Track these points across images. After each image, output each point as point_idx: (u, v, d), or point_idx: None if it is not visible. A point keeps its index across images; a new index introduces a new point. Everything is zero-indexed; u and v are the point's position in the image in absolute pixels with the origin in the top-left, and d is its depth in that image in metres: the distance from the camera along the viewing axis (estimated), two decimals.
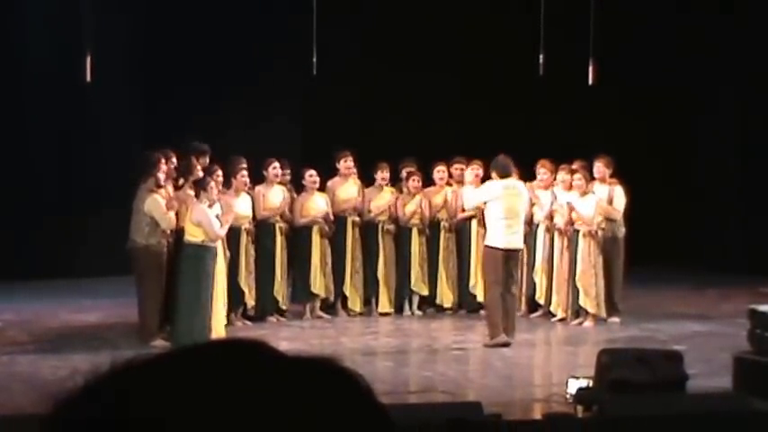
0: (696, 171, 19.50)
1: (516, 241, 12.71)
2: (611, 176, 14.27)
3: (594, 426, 8.02)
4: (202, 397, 1.08)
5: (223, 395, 1.08)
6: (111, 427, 1.07)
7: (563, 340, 13.43)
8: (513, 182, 12.93)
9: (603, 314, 13.89)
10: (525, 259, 14.45)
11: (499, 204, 12.56)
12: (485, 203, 12.80)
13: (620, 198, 14.18)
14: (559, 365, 12.03)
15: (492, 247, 12.59)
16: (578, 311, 13.94)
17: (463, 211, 14.61)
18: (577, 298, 13.90)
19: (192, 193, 12.49)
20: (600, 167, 14.19)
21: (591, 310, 13.83)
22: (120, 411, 1.07)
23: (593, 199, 13.89)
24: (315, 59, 15.15)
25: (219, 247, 12.52)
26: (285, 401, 1.09)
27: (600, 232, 13.87)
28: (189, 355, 1.14)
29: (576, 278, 13.84)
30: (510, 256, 12.64)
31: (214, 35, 17.31)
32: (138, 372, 1.12)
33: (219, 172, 13.02)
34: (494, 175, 12.93)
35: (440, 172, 14.95)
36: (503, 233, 12.51)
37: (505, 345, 12.41)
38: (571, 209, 13.82)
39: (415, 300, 14.85)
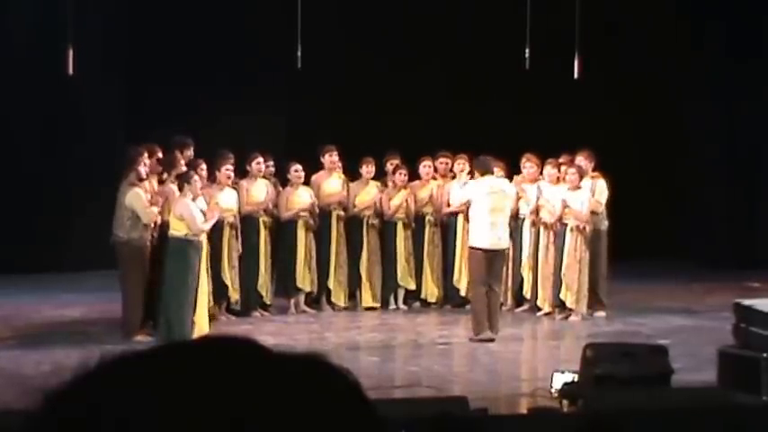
0: (682, 165, 19.49)
1: (501, 241, 12.68)
2: (594, 170, 14.27)
3: (579, 420, 7.99)
4: (189, 395, 1.08)
5: (210, 393, 1.08)
6: (98, 424, 1.06)
7: (548, 335, 13.42)
8: (497, 180, 12.95)
9: (584, 309, 13.87)
10: (511, 254, 14.42)
11: (483, 203, 12.55)
12: (468, 201, 12.76)
13: (602, 191, 14.19)
14: (545, 360, 12.02)
15: (475, 248, 12.62)
16: (564, 306, 13.93)
17: (449, 205, 14.58)
18: (560, 292, 13.89)
19: (175, 186, 12.43)
20: (582, 161, 14.18)
21: (570, 304, 13.81)
22: (105, 409, 1.06)
23: (585, 194, 13.87)
24: (299, 53, 15.08)
25: (204, 240, 12.46)
26: (272, 398, 1.09)
27: (588, 227, 13.86)
28: (176, 353, 1.14)
29: (562, 272, 13.83)
30: (495, 255, 12.64)
31: (198, 27, 17.22)
32: (125, 369, 1.11)
33: (203, 165, 12.97)
34: (476, 173, 13.01)
35: (426, 167, 14.91)
36: (487, 232, 12.49)
37: (490, 340, 12.41)
38: (565, 206, 13.77)
39: (401, 294, 14.82)
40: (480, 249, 12.55)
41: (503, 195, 12.82)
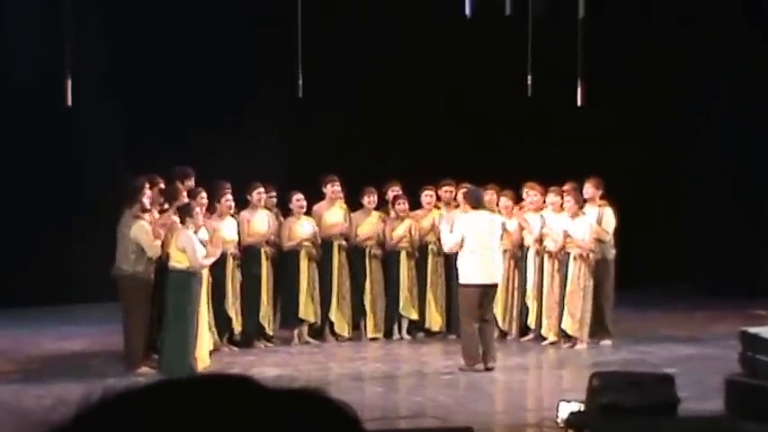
0: (685, 192, 19.44)
1: (492, 275, 12.51)
2: (601, 198, 14.20)
3: None
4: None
5: (209, 430, 1.08)
6: None
7: (554, 364, 13.32)
8: (486, 214, 12.80)
9: (585, 337, 13.78)
10: (516, 283, 14.36)
11: (472, 239, 12.38)
12: (462, 240, 12.61)
13: (609, 219, 14.11)
14: (550, 389, 11.93)
15: (467, 285, 12.44)
16: (568, 335, 13.84)
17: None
18: (563, 320, 13.80)
19: (176, 218, 12.35)
20: (590, 189, 14.11)
21: (571, 332, 13.71)
22: None
23: (586, 222, 13.79)
24: (300, 82, 15.05)
25: (204, 272, 12.39)
26: None
27: (591, 255, 13.79)
28: (177, 390, 1.14)
29: (565, 300, 13.74)
30: (486, 290, 12.49)
31: (198, 58, 17.20)
32: (127, 406, 1.12)
33: (204, 194, 12.89)
34: (466, 206, 12.82)
35: (428, 196, 14.84)
36: (477, 269, 12.33)
37: (486, 370, 12.29)
38: (566, 235, 13.70)
39: (404, 324, 14.74)
40: (472, 286, 12.40)
41: (492, 230, 12.62)
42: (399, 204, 14.61)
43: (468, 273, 12.41)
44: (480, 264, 12.34)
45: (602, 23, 16.49)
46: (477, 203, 12.63)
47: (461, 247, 12.48)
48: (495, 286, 12.71)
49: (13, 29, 16.67)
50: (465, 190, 13.00)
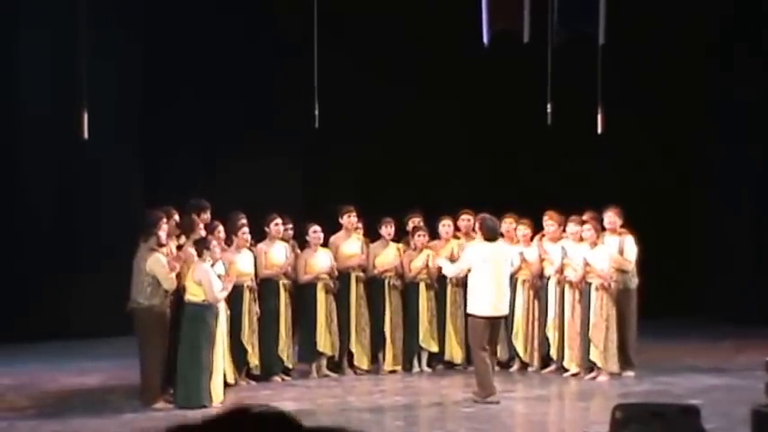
0: (709, 221, 19.27)
1: (501, 308, 12.35)
2: (622, 226, 14.02)
3: None
4: None
5: None
6: None
7: (576, 395, 13.15)
8: (499, 245, 12.63)
9: (613, 368, 13.62)
10: (537, 314, 14.20)
11: (483, 270, 12.21)
12: (468, 269, 12.46)
13: (631, 248, 13.93)
14: (573, 421, 11.78)
15: (476, 316, 12.29)
16: (592, 366, 13.67)
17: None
18: (589, 352, 13.62)
19: (193, 251, 12.25)
20: (611, 217, 13.94)
21: (600, 364, 13.55)
22: None
23: (605, 251, 13.62)
24: (317, 112, 14.97)
25: (222, 305, 12.28)
26: None
27: (613, 285, 13.61)
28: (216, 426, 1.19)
29: (589, 332, 13.57)
30: (495, 322, 12.36)
31: (213, 89, 17.19)
32: None
33: (221, 228, 12.83)
34: (479, 235, 12.61)
35: (445, 226, 14.68)
36: (487, 300, 12.17)
37: (497, 402, 12.13)
38: (586, 264, 13.53)
39: (424, 356, 14.58)
40: (482, 318, 12.25)
41: (504, 262, 12.48)
42: (419, 236, 14.45)
43: (477, 304, 12.28)
44: (489, 296, 12.18)
45: (622, 50, 16.34)
46: (491, 235, 12.42)
47: (470, 277, 12.35)
48: (503, 318, 12.59)
49: (28, 60, 16.65)
50: (480, 220, 12.81)
